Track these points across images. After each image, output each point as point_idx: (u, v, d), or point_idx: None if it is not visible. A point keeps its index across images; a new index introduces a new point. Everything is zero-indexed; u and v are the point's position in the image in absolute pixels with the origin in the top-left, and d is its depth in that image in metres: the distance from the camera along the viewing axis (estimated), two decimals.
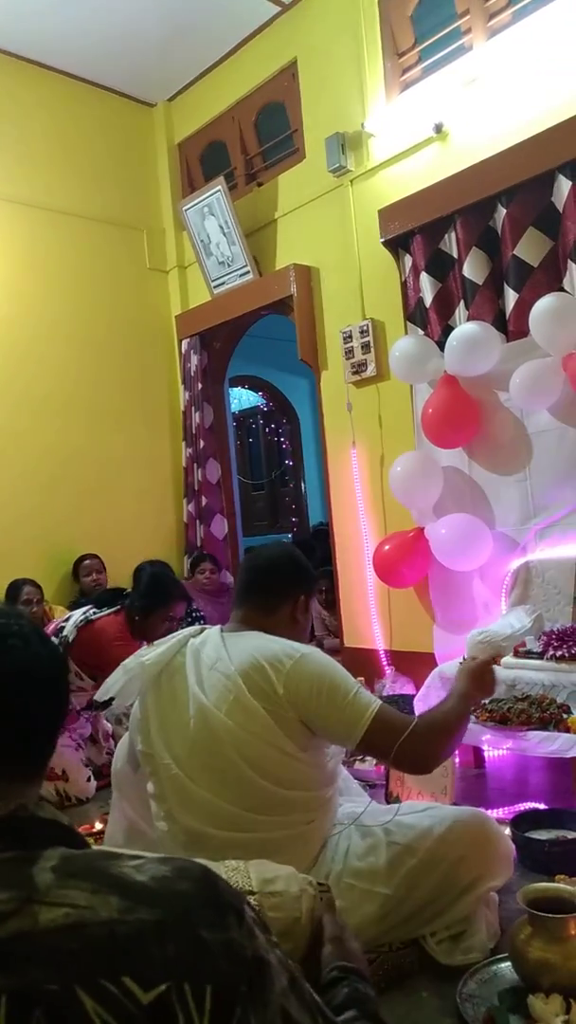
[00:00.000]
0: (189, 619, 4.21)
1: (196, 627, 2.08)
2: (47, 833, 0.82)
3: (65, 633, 3.33)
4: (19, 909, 0.72)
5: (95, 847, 0.85)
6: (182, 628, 2.20)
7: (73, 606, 4.57)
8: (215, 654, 1.90)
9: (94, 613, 3.39)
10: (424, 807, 2.08)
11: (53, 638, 3.28)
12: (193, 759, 1.83)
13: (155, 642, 2.07)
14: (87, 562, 4.87)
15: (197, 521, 5.44)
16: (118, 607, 3.40)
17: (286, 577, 2.03)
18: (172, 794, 1.85)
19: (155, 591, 3.30)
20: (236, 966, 0.75)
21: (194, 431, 5.45)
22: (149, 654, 1.99)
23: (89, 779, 3.40)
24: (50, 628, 3.46)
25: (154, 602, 3.28)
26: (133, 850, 0.87)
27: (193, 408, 5.44)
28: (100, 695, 2.10)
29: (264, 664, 1.82)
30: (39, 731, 0.89)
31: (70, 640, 3.30)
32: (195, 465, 5.45)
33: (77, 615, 3.43)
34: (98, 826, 2.90)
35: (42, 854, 0.78)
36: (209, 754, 1.81)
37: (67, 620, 3.43)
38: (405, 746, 1.76)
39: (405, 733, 1.77)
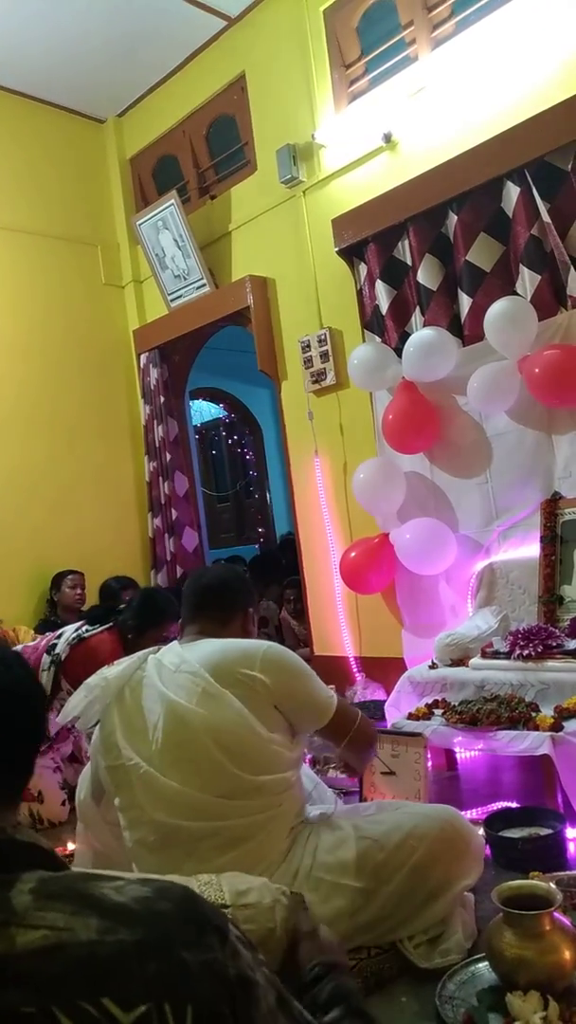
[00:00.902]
0: None
1: (154, 648, 2.13)
2: (25, 856, 0.81)
3: (58, 651, 3.29)
4: None
5: (74, 869, 0.84)
6: None
7: (43, 626, 4.53)
8: (177, 660, 1.97)
9: (87, 630, 3.36)
10: (395, 805, 2.12)
11: (45, 655, 3.28)
12: (164, 755, 1.87)
13: (119, 660, 2.11)
14: (71, 576, 4.84)
15: (165, 535, 5.40)
16: (111, 624, 3.38)
17: (235, 593, 2.19)
18: (142, 792, 1.87)
19: (149, 611, 3.30)
20: (218, 986, 0.74)
21: (157, 444, 5.42)
22: (112, 670, 2.04)
23: (64, 803, 3.35)
24: (41, 644, 3.40)
25: (148, 622, 3.26)
26: (113, 871, 0.86)
27: (155, 422, 5.42)
28: (62, 718, 2.10)
29: (234, 656, 1.93)
30: (18, 754, 0.88)
31: (62, 658, 3.27)
32: (160, 478, 5.43)
33: (69, 632, 3.38)
34: (71, 847, 2.85)
35: (20, 876, 0.77)
36: (180, 747, 1.86)
37: (59, 637, 3.38)
38: (359, 731, 2.06)
39: (358, 720, 2.07)
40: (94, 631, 3.35)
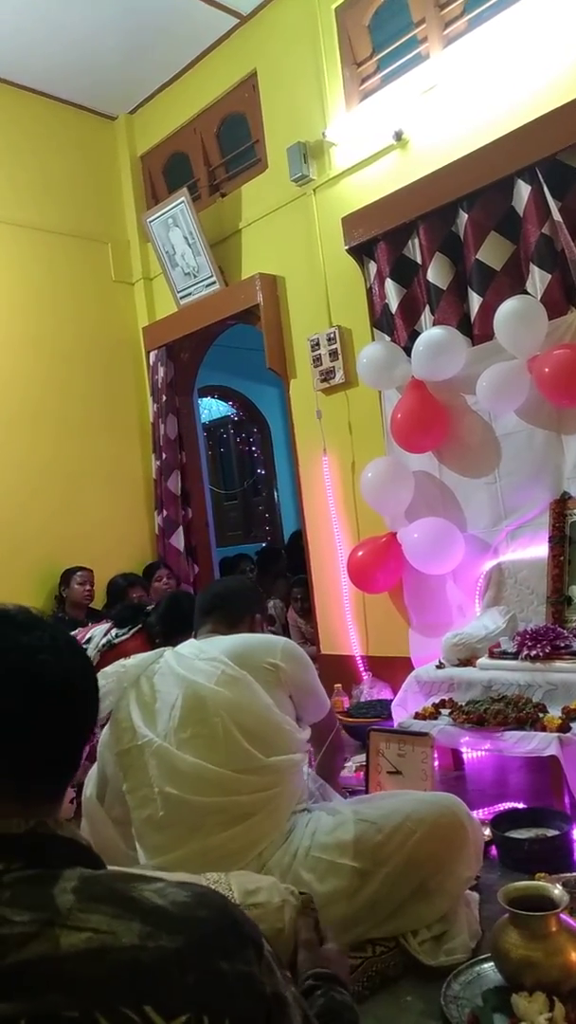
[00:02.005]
0: None
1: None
2: (67, 852, 0.81)
3: (88, 655, 3.30)
4: (40, 932, 0.71)
5: (110, 868, 0.85)
6: None
7: None
8: (196, 650, 2.13)
9: (116, 635, 3.38)
10: (394, 793, 2.21)
11: None
12: (180, 731, 1.96)
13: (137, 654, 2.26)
14: (80, 573, 4.84)
15: (171, 532, 5.40)
16: (139, 626, 3.41)
17: (244, 599, 2.39)
18: (155, 767, 1.94)
19: (175, 616, 3.28)
20: (254, 1001, 0.75)
21: (163, 442, 5.42)
22: (130, 660, 2.18)
23: (72, 800, 3.36)
24: None
25: (174, 627, 3.25)
26: (150, 872, 0.86)
27: (161, 420, 5.42)
28: None
29: (256, 645, 2.13)
30: (67, 748, 0.87)
31: (93, 664, 3.28)
32: (166, 476, 5.43)
33: (98, 637, 3.40)
34: None
35: (62, 873, 0.77)
36: (198, 724, 1.96)
37: (88, 640, 3.40)
38: (338, 734, 2.45)
39: (337, 724, 2.43)
40: (124, 636, 3.38)
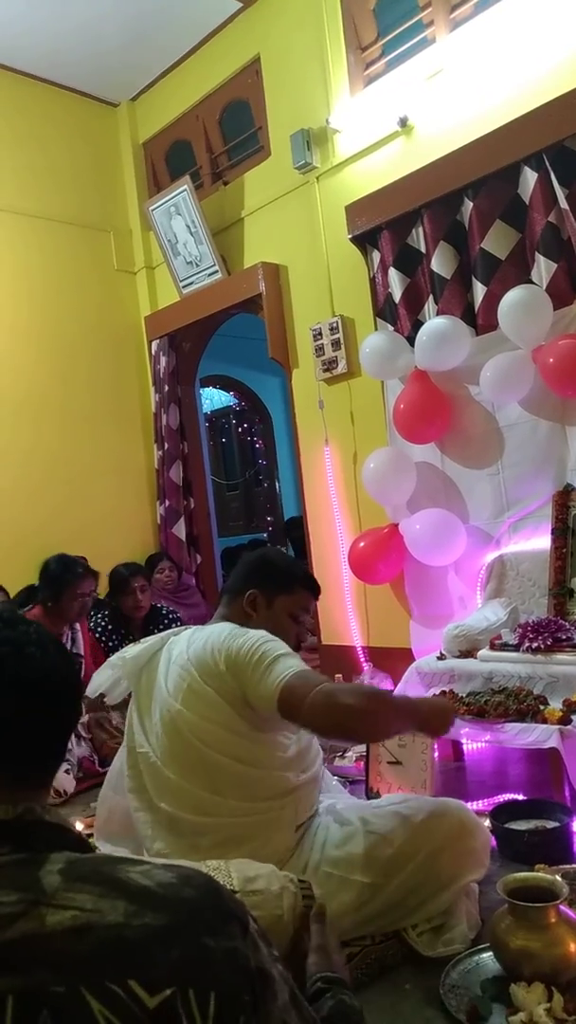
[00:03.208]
0: (165, 621, 4.19)
1: (182, 628, 2.17)
2: (53, 837, 0.83)
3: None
4: (26, 911, 0.73)
5: (98, 852, 0.87)
6: (158, 629, 2.29)
7: None
8: (184, 646, 1.99)
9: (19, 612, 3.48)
10: (402, 798, 2.09)
11: None
12: (163, 747, 1.91)
13: (143, 639, 2.17)
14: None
15: (173, 522, 5.39)
16: (35, 602, 3.65)
17: (243, 571, 2.15)
18: (150, 780, 1.91)
19: (53, 576, 3.65)
20: (239, 975, 0.76)
21: (164, 432, 5.41)
22: (131, 650, 2.09)
23: (68, 771, 3.37)
24: None
25: (57, 586, 3.62)
26: (137, 856, 0.88)
27: (163, 410, 5.41)
28: (91, 691, 2.20)
29: (212, 647, 1.90)
30: (53, 736, 0.91)
31: (74, 660, 3.36)
32: (168, 466, 5.42)
33: None
34: (79, 827, 2.86)
35: (48, 857, 0.79)
36: (172, 742, 1.89)
37: None
38: (318, 697, 1.65)
39: (317, 684, 1.69)
40: (25, 611, 3.60)
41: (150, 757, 1.92)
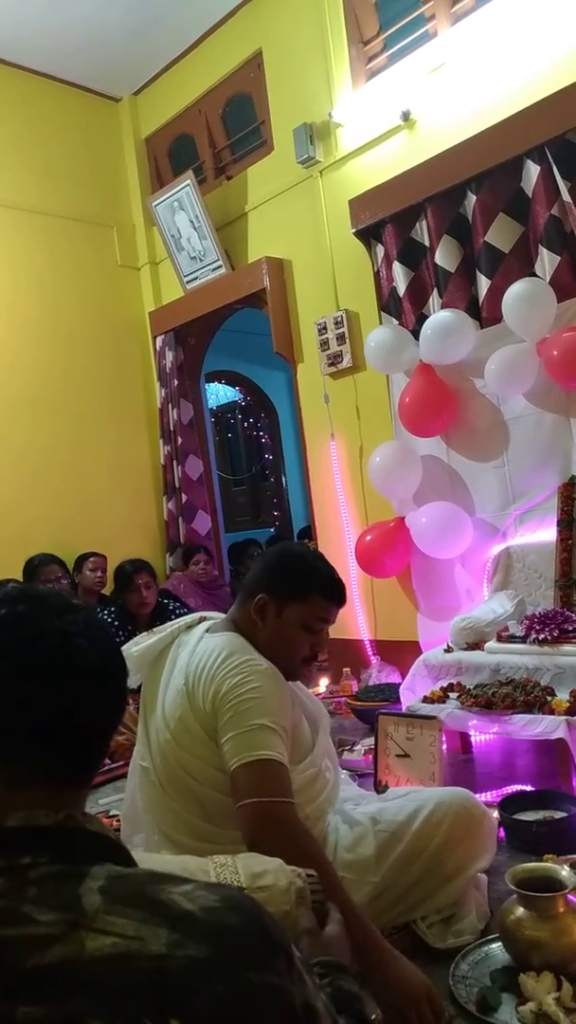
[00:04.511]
0: (171, 618, 4.18)
1: (195, 616, 2.08)
2: (94, 847, 0.79)
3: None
4: (65, 934, 0.69)
5: (141, 867, 0.82)
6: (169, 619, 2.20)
7: None
8: (187, 656, 1.89)
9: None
10: (407, 791, 2.09)
11: None
12: (162, 770, 1.86)
13: (153, 630, 2.08)
14: (92, 559, 4.85)
15: (179, 518, 5.42)
16: None
17: (258, 569, 1.97)
18: (150, 799, 1.88)
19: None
20: (284, 1016, 0.72)
21: (171, 428, 5.42)
22: (139, 644, 2.02)
23: None
24: None
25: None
26: (180, 875, 0.84)
27: (169, 405, 5.42)
28: None
29: (207, 673, 1.78)
30: (97, 735, 0.86)
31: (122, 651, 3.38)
32: (173, 462, 5.43)
33: None
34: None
35: (90, 871, 0.75)
36: (167, 767, 1.85)
37: None
38: (260, 809, 1.57)
39: (271, 797, 1.58)
40: None
41: (150, 775, 1.87)
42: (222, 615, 2.05)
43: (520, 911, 1.68)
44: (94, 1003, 0.66)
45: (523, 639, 3.10)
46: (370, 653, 4.38)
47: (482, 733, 3.16)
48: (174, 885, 0.76)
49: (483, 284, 3.67)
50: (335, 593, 1.92)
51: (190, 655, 1.88)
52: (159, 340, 5.49)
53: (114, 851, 0.80)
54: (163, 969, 0.68)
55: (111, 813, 2.83)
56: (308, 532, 5.64)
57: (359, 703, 3.72)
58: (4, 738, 0.80)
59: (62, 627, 0.83)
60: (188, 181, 4.82)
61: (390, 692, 3.66)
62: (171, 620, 3.90)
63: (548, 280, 3.43)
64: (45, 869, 0.74)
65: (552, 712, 2.68)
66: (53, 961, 0.68)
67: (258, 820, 1.58)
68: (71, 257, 5.31)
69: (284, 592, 1.87)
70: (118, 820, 2.16)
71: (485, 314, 3.68)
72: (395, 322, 4.06)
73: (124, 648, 2.01)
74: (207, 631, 1.96)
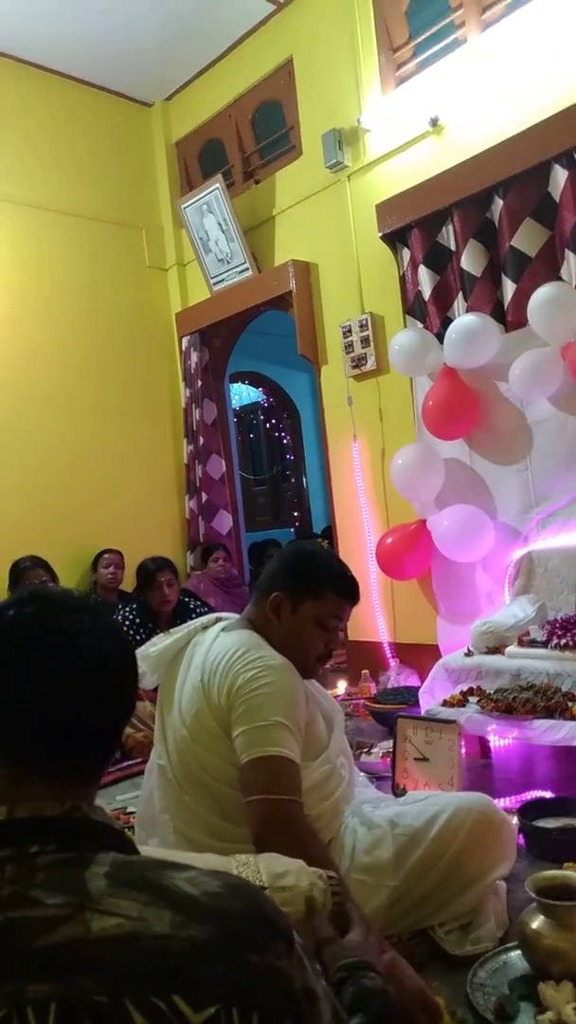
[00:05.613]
0: (192, 616, 4.21)
1: (211, 617, 2.10)
2: (99, 836, 0.81)
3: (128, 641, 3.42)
4: (72, 915, 0.72)
5: (143, 855, 0.84)
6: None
7: None
8: (203, 656, 1.91)
9: None
10: (426, 795, 2.08)
11: None
12: (176, 767, 1.88)
13: (171, 631, 2.10)
14: (107, 555, 4.89)
15: (199, 517, 5.45)
16: None
17: (273, 568, 1.99)
18: (167, 797, 1.89)
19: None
20: (283, 997, 0.74)
21: (195, 427, 5.46)
22: (156, 645, 2.04)
23: None
24: None
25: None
26: (184, 860, 0.86)
27: (194, 405, 5.45)
28: None
29: (223, 668, 1.81)
30: (105, 730, 0.88)
31: (133, 650, 3.39)
32: (196, 461, 5.46)
33: None
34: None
35: (95, 858, 0.77)
36: (183, 764, 1.86)
37: None
38: (267, 805, 1.61)
39: (280, 795, 1.62)
40: None
41: (167, 773, 1.89)
42: (238, 615, 2.07)
43: (540, 919, 1.67)
44: (99, 980, 0.68)
45: (544, 644, 3.08)
46: (389, 656, 4.37)
47: (501, 738, 3.14)
48: (177, 871, 0.78)
49: (508, 288, 3.66)
50: (348, 590, 1.96)
51: (206, 653, 1.91)
52: (185, 340, 5.53)
53: (119, 841, 0.82)
54: (166, 949, 0.70)
55: (128, 810, 2.84)
56: (328, 533, 5.65)
57: (377, 705, 3.72)
58: (11, 734, 0.83)
59: (67, 626, 0.86)
60: (217, 185, 4.85)
61: (408, 695, 3.66)
62: (192, 618, 3.94)
63: (574, 284, 3.41)
64: (52, 857, 0.76)
65: (573, 718, 2.67)
66: (60, 941, 0.70)
67: (265, 817, 1.61)
68: (101, 257, 5.37)
69: (298, 589, 1.91)
70: (135, 817, 2.18)
71: (510, 318, 3.67)
72: (420, 325, 4.06)
73: (142, 649, 2.04)
74: (223, 630, 1.98)
